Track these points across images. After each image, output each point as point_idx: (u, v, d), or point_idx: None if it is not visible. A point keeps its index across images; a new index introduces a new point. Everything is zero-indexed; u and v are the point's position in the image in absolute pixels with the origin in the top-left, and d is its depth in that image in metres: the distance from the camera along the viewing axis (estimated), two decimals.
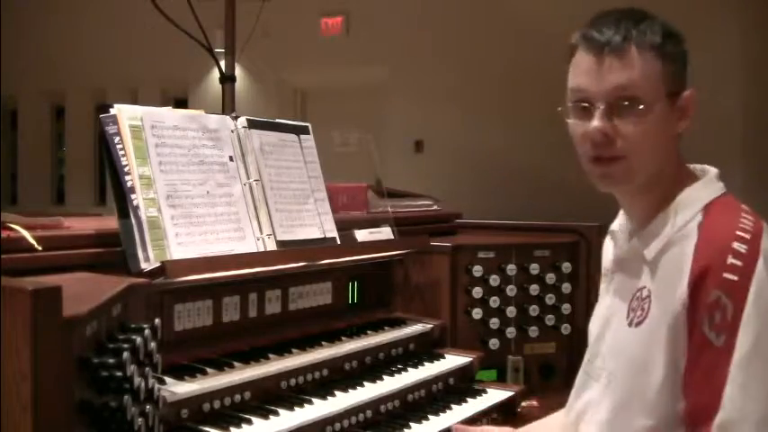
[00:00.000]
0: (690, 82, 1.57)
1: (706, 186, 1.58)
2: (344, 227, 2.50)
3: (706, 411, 1.41)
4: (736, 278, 1.41)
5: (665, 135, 1.56)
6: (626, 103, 1.51)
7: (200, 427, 1.79)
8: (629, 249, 1.65)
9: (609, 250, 1.79)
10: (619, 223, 1.74)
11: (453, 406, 2.30)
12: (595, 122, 1.53)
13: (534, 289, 2.77)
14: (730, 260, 1.42)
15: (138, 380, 1.32)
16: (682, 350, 1.46)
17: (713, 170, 1.63)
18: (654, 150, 1.55)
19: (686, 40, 1.58)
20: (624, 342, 1.59)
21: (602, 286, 1.80)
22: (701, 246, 1.47)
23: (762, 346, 1.40)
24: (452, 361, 2.50)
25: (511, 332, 2.73)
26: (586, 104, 1.56)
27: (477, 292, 2.70)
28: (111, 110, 1.96)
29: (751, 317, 1.40)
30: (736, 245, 1.43)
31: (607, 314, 1.70)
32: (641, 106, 1.51)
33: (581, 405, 1.72)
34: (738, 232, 1.45)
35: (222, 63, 4.58)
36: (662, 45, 1.52)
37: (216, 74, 4.82)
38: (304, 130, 2.50)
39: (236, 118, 2.27)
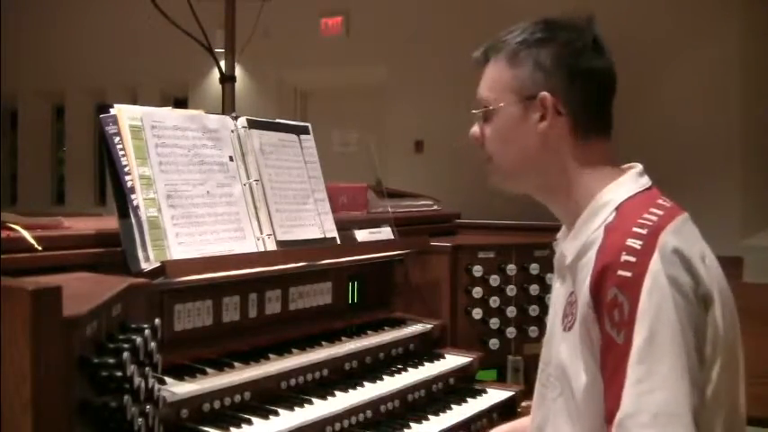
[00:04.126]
0: (553, 85, 1.58)
1: (621, 186, 1.58)
2: (344, 227, 2.50)
3: (613, 412, 1.39)
4: (629, 274, 1.40)
5: (523, 135, 1.62)
6: (481, 110, 1.67)
7: (200, 427, 1.79)
8: (558, 256, 1.66)
9: None
10: (562, 230, 1.72)
11: (453, 406, 2.30)
12: (472, 129, 1.71)
13: (534, 289, 2.76)
14: (624, 257, 1.42)
15: (138, 380, 1.32)
16: (597, 353, 1.45)
17: (636, 167, 1.62)
18: (510, 149, 1.65)
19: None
20: (559, 348, 1.58)
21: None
22: (602, 247, 1.48)
23: (656, 341, 1.37)
24: (452, 361, 2.50)
25: (511, 332, 2.73)
26: None
27: (477, 292, 2.70)
28: (111, 110, 1.96)
29: (645, 311, 1.38)
30: (630, 241, 1.43)
31: (552, 321, 1.68)
32: (491, 111, 1.65)
33: (540, 418, 1.68)
34: (635, 228, 1.45)
35: (222, 63, 4.60)
36: (513, 54, 1.62)
37: (216, 74, 4.83)
38: (304, 130, 2.50)
39: (236, 118, 2.27)
